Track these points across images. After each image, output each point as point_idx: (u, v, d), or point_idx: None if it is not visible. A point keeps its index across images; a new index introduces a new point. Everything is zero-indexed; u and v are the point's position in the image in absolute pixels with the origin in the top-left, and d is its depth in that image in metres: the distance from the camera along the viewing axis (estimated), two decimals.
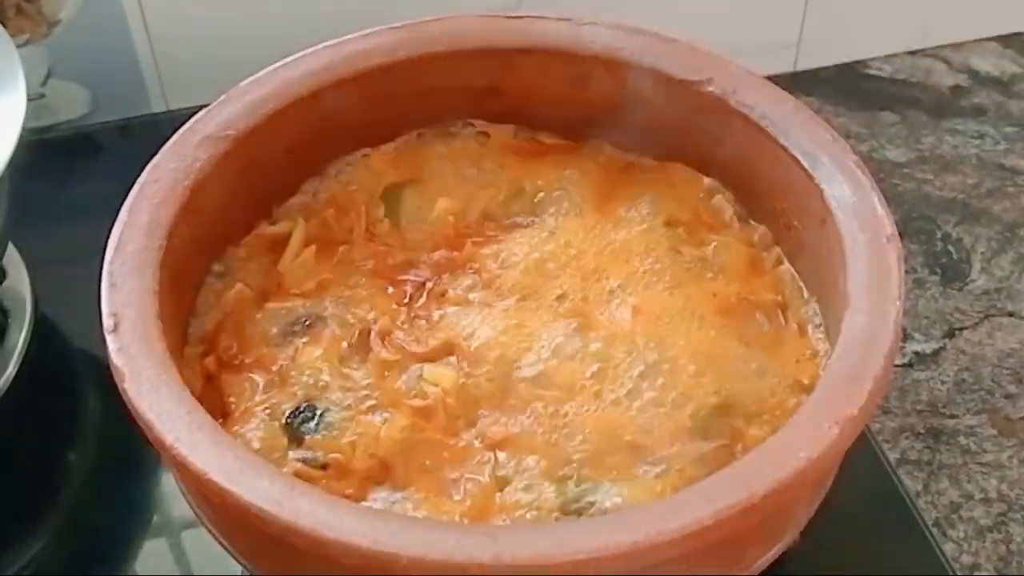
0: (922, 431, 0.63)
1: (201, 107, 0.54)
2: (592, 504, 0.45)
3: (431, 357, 0.50)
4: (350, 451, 0.47)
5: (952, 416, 0.64)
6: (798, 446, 0.42)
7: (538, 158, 0.58)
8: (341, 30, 0.57)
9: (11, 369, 0.60)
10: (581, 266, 0.53)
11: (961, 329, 0.68)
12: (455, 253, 0.54)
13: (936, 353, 0.67)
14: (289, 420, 0.48)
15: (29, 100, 0.57)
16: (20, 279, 0.64)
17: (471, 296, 0.52)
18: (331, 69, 0.56)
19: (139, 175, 0.51)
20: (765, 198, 0.54)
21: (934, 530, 0.58)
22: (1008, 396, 0.65)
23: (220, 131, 0.53)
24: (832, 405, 0.43)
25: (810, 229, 0.51)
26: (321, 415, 0.48)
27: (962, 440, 0.63)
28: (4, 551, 0.57)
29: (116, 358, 0.45)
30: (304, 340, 0.51)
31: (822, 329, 0.51)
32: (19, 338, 0.61)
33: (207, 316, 0.52)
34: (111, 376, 0.45)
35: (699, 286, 0.52)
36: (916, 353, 0.67)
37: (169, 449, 0.42)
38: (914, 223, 0.74)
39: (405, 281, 0.53)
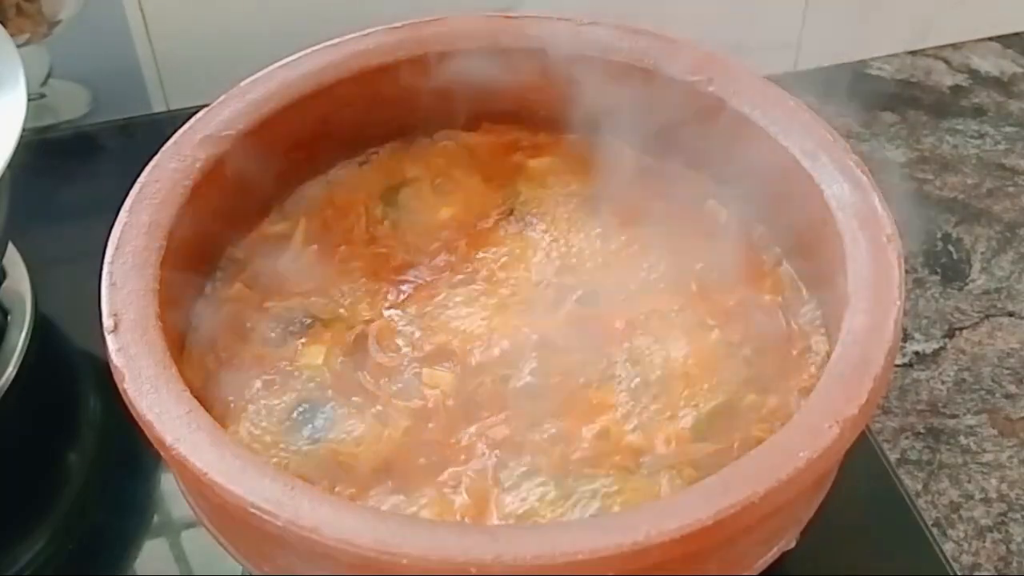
0: (922, 431, 0.63)
1: (201, 107, 0.54)
2: (592, 504, 0.45)
3: (430, 359, 0.50)
4: (350, 451, 0.47)
5: (952, 416, 0.64)
6: (798, 446, 0.42)
7: (538, 159, 0.58)
8: (341, 30, 0.57)
9: (11, 369, 0.60)
10: (580, 268, 0.53)
11: (961, 329, 0.68)
12: (455, 255, 0.54)
13: (936, 353, 0.67)
14: (289, 420, 0.48)
15: (29, 100, 0.57)
16: (20, 279, 0.64)
17: (470, 298, 0.52)
18: (331, 69, 0.56)
19: (139, 175, 0.51)
20: (765, 198, 0.54)
21: (934, 530, 0.58)
22: (1008, 396, 0.65)
23: (220, 131, 0.53)
24: (832, 405, 0.43)
25: (810, 229, 0.51)
26: (321, 415, 0.48)
27: (962, 440, 0.63)
28: (4, 551, 0.57)
29: (116, 358, 0.45)
30: (303, 340, 0.51)
31: (822, 329, 0.51)
32: (19, 338, 0.61)
33: (207, 316, 0.52)
34: (111, 376, 0.45)
35: (698, 287, 0.52)
36: (916, 353, 0.67)
37: (169, 449, 0.42)
38: (914, 223, 0.74)
39: (405, 282, 0.53)
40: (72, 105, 0.78)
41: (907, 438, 0.63)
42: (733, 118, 0.54)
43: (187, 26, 0.76)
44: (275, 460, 0.47)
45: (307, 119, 0.55)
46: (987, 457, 0.62)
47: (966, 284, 0.71)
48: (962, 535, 0.59)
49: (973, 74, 0.85)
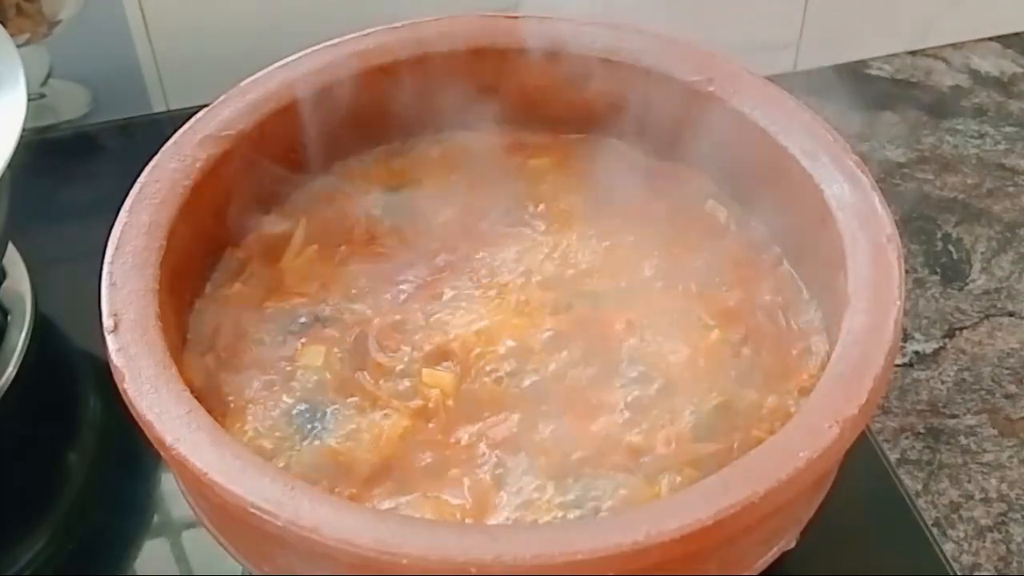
0: (922, 431, 0.63)
1: (201, 107, 0.54)
2: (592, 504, 0.45)
3: (430, 359, 0.50)
4: (351, 451, 0.47)
5: (952, 416, 0.64)
6: (798, 446, 0.42)
7: (538, 159, 0.58)
8: (341, 30, 0.57)
9: (11, 369, 0.60)
10: (580, 268, 0.53)
11: (961, 329, 0.68)
12: (455, 255, 0.54)
13: (936, 353, 0.67)
14: (289, 420, 0.48)
15: (29, 100, 0.57)
16: (20, 279, 0.64)
17: (470, 298, 0.52)
18: (331, 69, 0.56)
19: (139, 175, 0.51)
20: (765, 198, 0.54)
21: (934, 530, 0.58)
22: (1008, 396, 0.65)
23: (220, 131, 0.53)
24: (832, 405, 0.43)
25: (810, 229, 0.51)
26: (321, 415, 0.48)
27: (962, 440, 0.63)
28: (4, 551, 0.57)
29: (116, 358, 0.45)
30: (303, 340, 0.51)
31: (822, 329, 0.51)
32: (19, 338, 0.61)
33: (207, 316, 0.52)
34: (111, 376, 0.45)
35: (698, 288, 0.52)
36: (916, 353, 0.67)
37: (169, 449, 0.42)
38: (914, 223, 0.74)
39: (405, 282, 0.53)
40: (72, 105, 0.78)
41: (907, 438, 0.63)
42: (733, 118, 0.54)
43: (187, 26, 0.76)
44: (274, 460, 0.47)
45: (307, 119, 0.55)
46: (987, 457, 0.62)
47: (966, 284, 0.71)
48: (962, 535, 0.59)
49: (973, 74, 0.85)
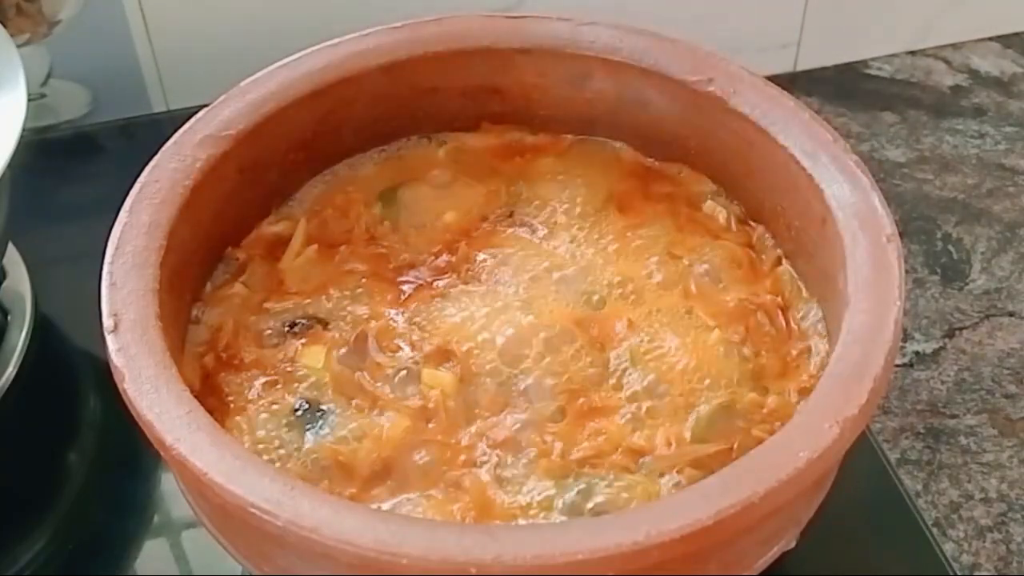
0: (922, 431, 0.63)
1: (201, 107, 0.54)
2: (592, 504, 0.45)
3: (430, 359, 0.50)
4: (351, 451, 0.47)
5: (952, 416, 0.64)
6: (798, 446, 0.42)
7: (538, 159, 0.58)
8: (341, 30, 0.57)
9: (11, 369, 0.60)
10: (581, 270, 0.53)
11: (961, 329, 0.68)
12: (455, 255, 0.54)
13: (936, 353, 0.67)
14: (289, 420, 0.48)
15: (29, 100, 0.57)
16: (20, 279, 0.64)
17: (471, 298, 0.52)
18: (331, 69, 0.56)
19: (139, 175, 0.51)
20: (765, 198, 0.54)
21: (934, 530, 0.58)
22: (1008, 396, 0.65)
23: (220, 131, 0.53)
24: (832, 405, 0.43)
25: (810, 229, 0.51)
26: (321, 415, 0.48)
27: (962, 440, 0.63)
28: (4, 551, 0.57)
29: (116, 358, 0.45)
30: (303, 340, 0.51)
31: (822, 329, 0.51)
32: (19, 338, 0.62)
33: (207, 316, 0.52)
34: (111, 376, 0.45)
35: (698, 288, 0.52)
36: (916, 353, 0.67)
37: (169, 449, 0.42)
38: (914, 223, 0.74)
39: (405, 283, 0.53)
40: (72, 105, 0.79)
41: (907, 438, 0.63)
42: (733, 118, 0.54)
43: (187, 26, 0.76)
44: (274, 460, 0.47)
45: (307, 119, 0.55)
46: (987, 457, 0.62)
47: (966, 284, 0.71)
48: (962, 535, 0.59)
49: (973, 74, 0.85)
